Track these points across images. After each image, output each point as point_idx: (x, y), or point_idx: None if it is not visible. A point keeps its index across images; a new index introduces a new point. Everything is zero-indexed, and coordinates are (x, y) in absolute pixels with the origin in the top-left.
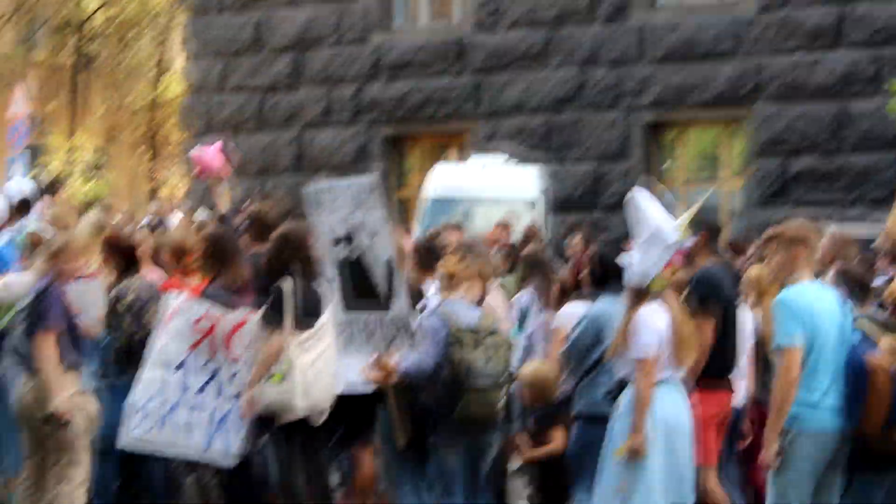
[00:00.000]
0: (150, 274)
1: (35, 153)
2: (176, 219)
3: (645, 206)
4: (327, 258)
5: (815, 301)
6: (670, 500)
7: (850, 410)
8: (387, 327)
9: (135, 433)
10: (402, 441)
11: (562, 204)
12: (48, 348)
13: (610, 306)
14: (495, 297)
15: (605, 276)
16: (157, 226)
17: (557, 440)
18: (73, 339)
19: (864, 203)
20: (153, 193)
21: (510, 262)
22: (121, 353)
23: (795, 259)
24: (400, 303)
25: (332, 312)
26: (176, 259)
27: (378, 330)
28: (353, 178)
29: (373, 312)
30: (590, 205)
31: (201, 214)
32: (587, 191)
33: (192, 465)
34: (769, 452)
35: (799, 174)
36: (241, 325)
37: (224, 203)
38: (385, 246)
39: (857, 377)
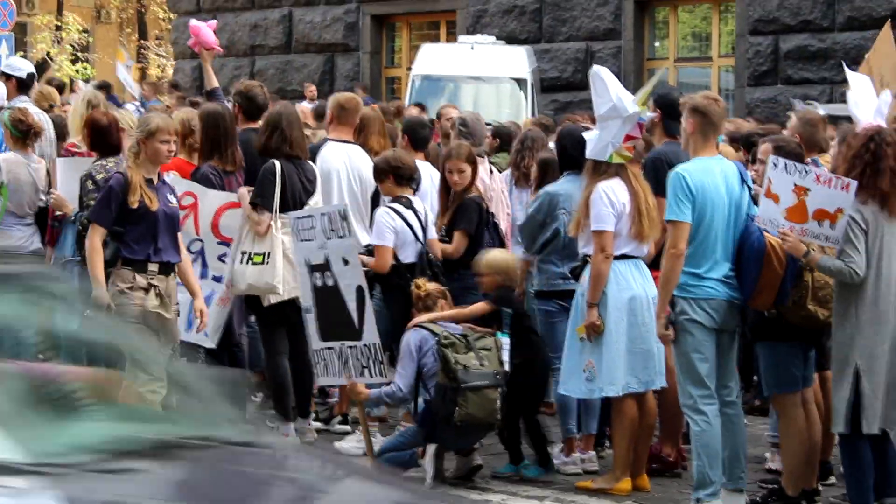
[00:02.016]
0: None
1: (22, 33)
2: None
3: (605, 81)
4: (306, 286)
5: (708, 176)
6: (636, 375)
7: (741, 284)
8: (360, 355)
9: None
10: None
11: (551, 83)
12: (91, 239)
13: (569, 185)
14: (494, 179)
15: (569, 156)
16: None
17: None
18: (151, 234)
19: None
20: (140, 74)
21: (500, 142)
22: (83, 231)
23: (692, 130)
24: (370, 331)
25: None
26: (182, 139)
27: (351, 357)
28: (326, 206)
29: (346, 341)
30: (580, 84)
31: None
32: (577, 70)
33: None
34: (659, 325)
35: (790, 52)
36: (230, 206)
37: (213, 80)
38: (356, 273)
39: (752, 253)
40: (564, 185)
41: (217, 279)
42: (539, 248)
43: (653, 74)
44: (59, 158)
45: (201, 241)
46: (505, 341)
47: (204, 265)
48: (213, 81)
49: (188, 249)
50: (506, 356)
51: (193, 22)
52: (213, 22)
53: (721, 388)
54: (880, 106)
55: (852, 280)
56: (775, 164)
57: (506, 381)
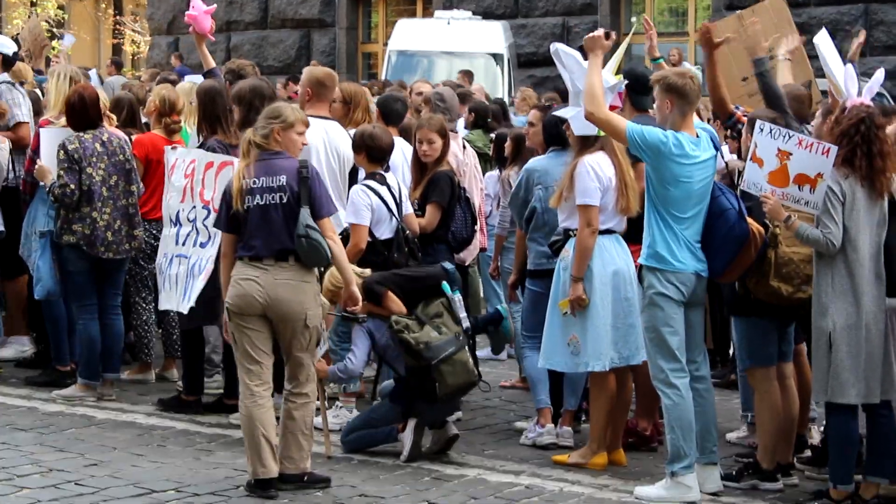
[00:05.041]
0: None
1: None
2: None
3: (574, 56)
4: None
5: (686, 150)
6: (618, 350)
7: (711, 260)
8: None
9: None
10: (328, 450)
11: (528, 58)
12: (335, 240)
13: (548, 160)
14: (467, 154)
15: (554, 132)
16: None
17: (400, 306)
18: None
19: None
20: (116, 50)
21: (477, 118)
22: (55, 202)
23: (669, 106)
24: None
25: None
26: (158, 116)
27: None
28: None
29: None
30: None
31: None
32: None
33: (161, 321)
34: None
35: None
36: (222, 165)
37: (209, 61)
38: None
39: (731, 238)
40: (542, 161)
41: (203, 245)
42: (525, 226)
43: (631, 49)
44: (42, 129)
45: (195, 206)
46: (457, 298)
47: (197, 232)
48: (210, 62)
49: (187, 218)
50: (462, 313)
51: (192, 7)
52: (213, 7)
53: (689, 363)
54: (872, 84)
55: (828, 250)
56: (761, 129)
57: (469, 334)
